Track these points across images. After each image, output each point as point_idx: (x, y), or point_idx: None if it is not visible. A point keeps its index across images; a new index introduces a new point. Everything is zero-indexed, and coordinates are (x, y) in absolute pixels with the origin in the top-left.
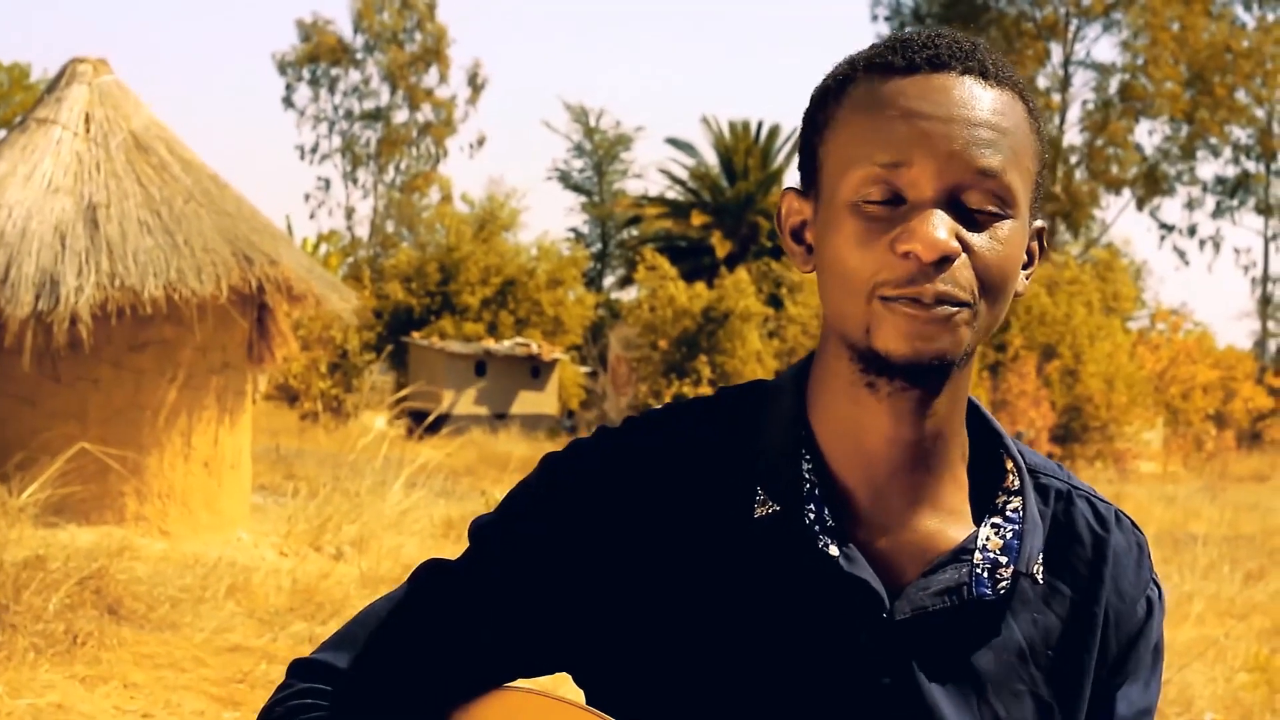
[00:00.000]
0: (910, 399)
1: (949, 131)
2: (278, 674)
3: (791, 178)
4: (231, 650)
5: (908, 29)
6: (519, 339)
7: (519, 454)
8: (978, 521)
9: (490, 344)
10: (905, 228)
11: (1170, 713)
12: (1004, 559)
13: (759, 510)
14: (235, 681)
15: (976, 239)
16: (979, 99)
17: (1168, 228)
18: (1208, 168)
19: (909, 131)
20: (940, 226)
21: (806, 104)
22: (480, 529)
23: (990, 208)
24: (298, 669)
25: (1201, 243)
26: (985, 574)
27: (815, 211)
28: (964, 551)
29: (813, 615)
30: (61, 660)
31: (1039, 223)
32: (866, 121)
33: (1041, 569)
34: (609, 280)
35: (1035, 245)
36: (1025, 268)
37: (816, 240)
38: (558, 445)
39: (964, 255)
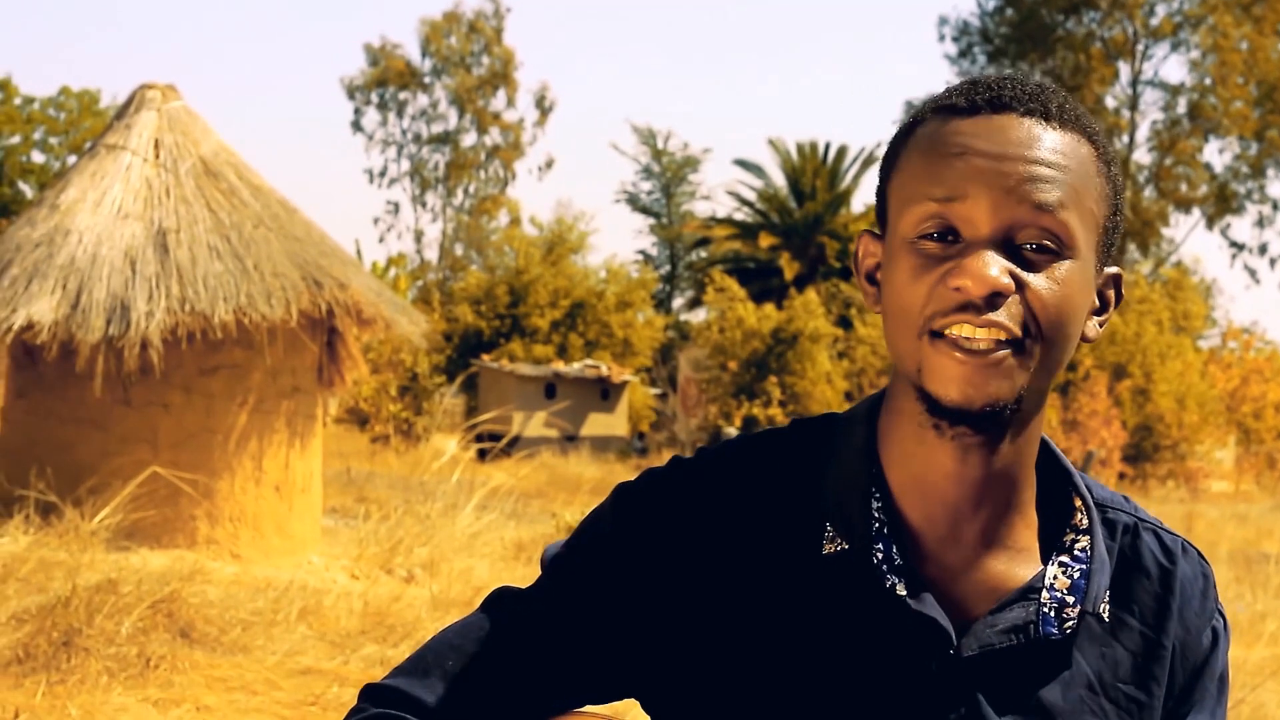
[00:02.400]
0: (974, 442)
1: (1003, 168)
2: (350, 696)
3: (860, 198)
4: (303, 673)
5: (985, 74)
6: (588, 361)
7: (590, 476)
8: (1045, 560)
9: (560, 366)
10: (957, 263)
11: None
12: (1071, 599)
13: (828, 547)
14: (307, 704)
15: (1032, 278)
16: (1038, 138)
17: (1238, 246)
18: (1278, 186)
19: (964, 168)
20: (992, 264)
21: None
22: (553, 559)
23: (1046, 245)
24: (370, 694)
25: (1272, 261)
26: (1052, 613)
27: (885, 252)
28: (1031, 590)
29: (880, 651)
30: (134, 683)
31: (1112, 269)
32: (925, 160)
33: (1108, 605)
34: (678, 302)
35: (1110, 293)
36: (1099, 314)
37: (883, 280)
38: (628, 467)
39: (1016, 294)
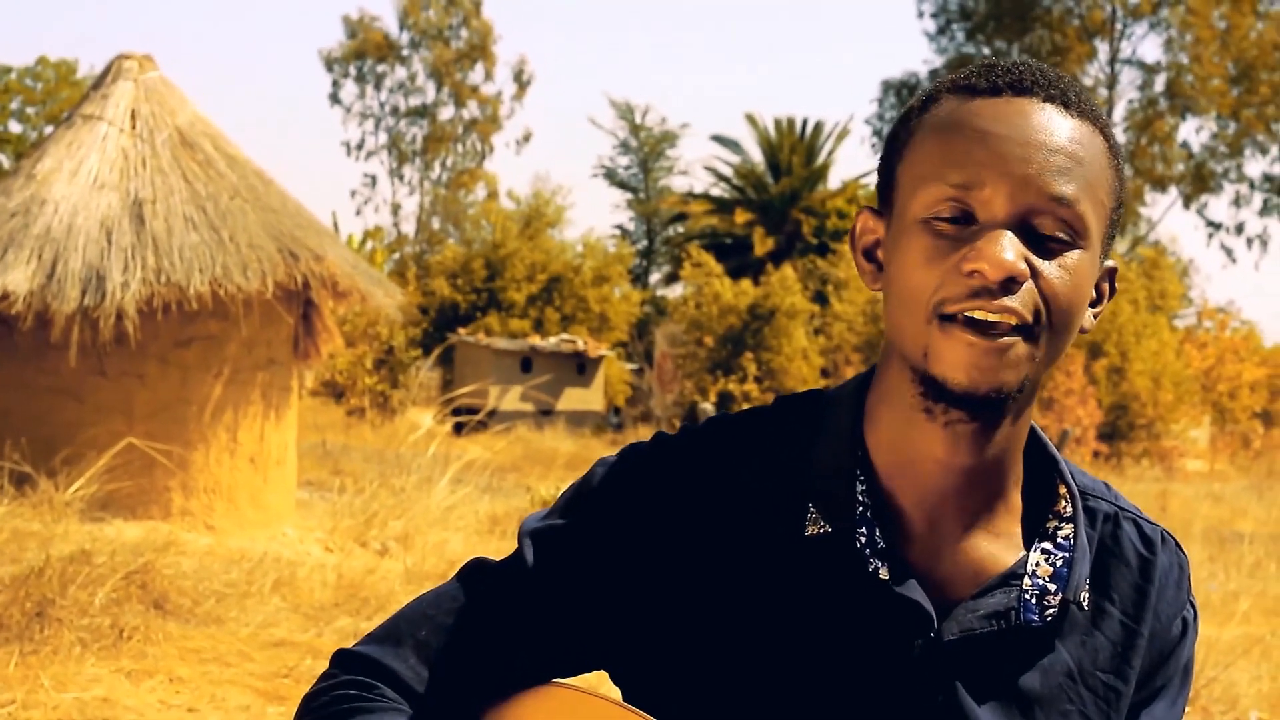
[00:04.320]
0: (967, 429)
1: (1025, 154)
2: (323, 668)
3: (836, 174)
4: (277, 645)
5: (996, 59)
6: (565, 335)
7: (565, 450)
8: (1028, 545)
9: (536, 340)
10: (973, 247)
11: (1215, 711)
12: (1053, 586)
13: (810, 528)
14: (280, 676)
15: (1045, 265)
16: (1058, 126)
17: (1215, 225)
18: (1255, 165)
19: (984, 152)
20: (1009, 248)
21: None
22: (531, 531)
23: (1061, 235)
24: (341, 660)
25: (1249, 240)
26: (1034, 600)
27: (888, 230)
28: (1013, 576)
29: (860, 633)
30: (107, 654)
31: (1110, 263)
32: (942, 140)
33: (1088, 594)
34: (655, 277)
35: (1106, 286)
36: (1094, 305)
37: (886, 258)
38: (604, 441)
39: (1030, 281)
